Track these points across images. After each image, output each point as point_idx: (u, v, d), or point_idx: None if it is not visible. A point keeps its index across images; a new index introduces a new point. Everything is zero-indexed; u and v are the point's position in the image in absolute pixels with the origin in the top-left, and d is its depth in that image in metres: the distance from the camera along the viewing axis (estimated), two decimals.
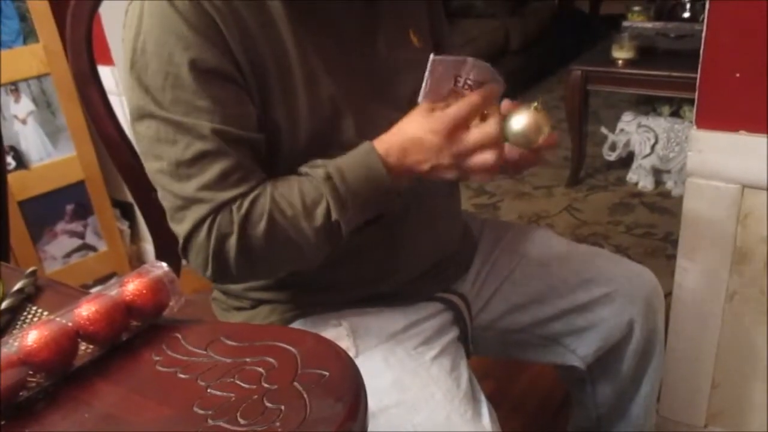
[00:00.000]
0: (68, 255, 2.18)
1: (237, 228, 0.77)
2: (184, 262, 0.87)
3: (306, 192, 0.78)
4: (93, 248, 2.23)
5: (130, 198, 1.23)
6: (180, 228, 0.80)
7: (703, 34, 1.13)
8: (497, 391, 1.68)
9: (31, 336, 0.60)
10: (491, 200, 2.74)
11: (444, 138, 0.77)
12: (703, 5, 1.15)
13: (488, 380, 1.69)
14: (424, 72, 0.78)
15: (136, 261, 2.34)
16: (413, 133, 0.78)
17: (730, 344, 1.32)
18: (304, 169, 0.81)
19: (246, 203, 0.77)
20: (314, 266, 0.85)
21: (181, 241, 0.81)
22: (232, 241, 0.77)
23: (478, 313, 1.05)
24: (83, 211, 2.18)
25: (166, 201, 0.81)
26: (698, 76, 1.16)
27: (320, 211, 0.77)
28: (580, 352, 1.08)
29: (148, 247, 2.33)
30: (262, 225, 0.77)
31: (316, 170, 0.79)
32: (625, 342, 1.07)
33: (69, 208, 2.15)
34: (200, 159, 0.77)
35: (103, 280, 2.20)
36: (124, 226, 2.35)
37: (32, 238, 2.06)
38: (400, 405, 0.85)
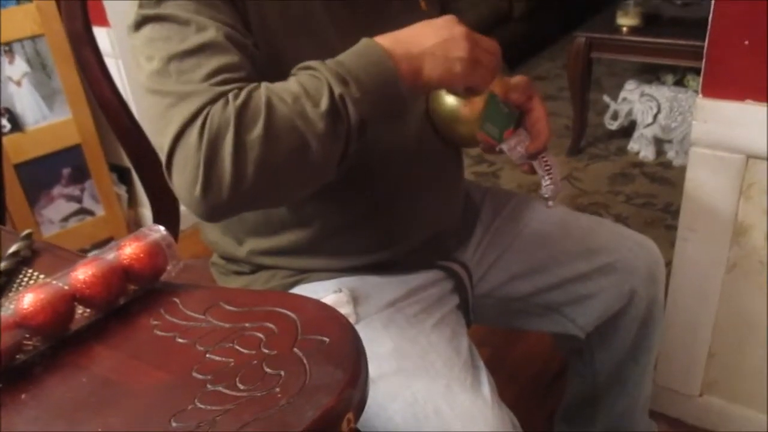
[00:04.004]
0: (65, 219, 2.17)
1: (234, 119, 0.63)
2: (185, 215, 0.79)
3: (305, 81, 0.68)
4: (90, 212, 2.22)
5: (127, 162, 1.21)
6: (165, 135, 0.65)
7: (712, 1, 1.11)
8: (493, 359, 1.69)
9: (27, 299, 0.59)
10: (491, 168, 2.72)
11: (454, 19, 0.75)
12: None
13: (484, 348, 1.70)
14: None
15: (134, 226, 2.33)
16: (419, 25, 0.75)
17: (728, 315, 1.32)
18: (296, 69, 0.71)
19: (243, 93, 0.65)
20: (326, 178, 0.72)
21: (165, 150, 0.65)
22: (228, 139, 0.63)
23: (478, 282, 1.04)
24: (80, 175, 2.16)
25: (150, 110, 0.68)
26: (705, 43, 1.14)
27: (323, 91, 0.67)
28: (579, 321, 1.07)
29: (146, 212, 2.32)
30: (261, 113, 0.64)
31: (311, 62, 0.70)
32: (625, 312, 1.07)
33: (66, 171, 2.13)
34: (198, 51, 0.67)
35: (100, 245, 2.19)
36: (122, 190, 2.34)
37: (29, 201, 2.05)
38: (400, 372, 0.85)
